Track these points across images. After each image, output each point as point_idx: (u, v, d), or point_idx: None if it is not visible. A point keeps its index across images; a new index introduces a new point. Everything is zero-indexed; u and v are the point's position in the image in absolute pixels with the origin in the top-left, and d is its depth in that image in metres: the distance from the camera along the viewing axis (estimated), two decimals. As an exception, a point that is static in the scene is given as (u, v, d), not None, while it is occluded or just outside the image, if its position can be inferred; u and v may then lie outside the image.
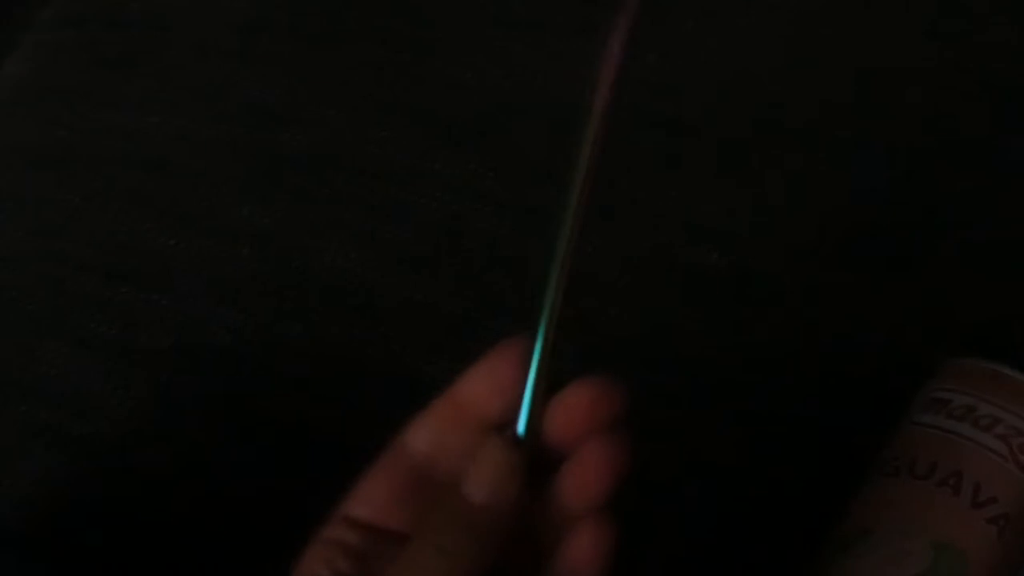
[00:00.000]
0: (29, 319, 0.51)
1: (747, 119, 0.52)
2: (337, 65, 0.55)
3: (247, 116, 0.54)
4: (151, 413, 0.48)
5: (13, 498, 0.46)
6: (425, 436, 0.30)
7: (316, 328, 0.49)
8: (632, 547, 0.33)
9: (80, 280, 0.51)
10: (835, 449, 0.44)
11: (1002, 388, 0.39)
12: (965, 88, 0.52)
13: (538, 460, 0.29)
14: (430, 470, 0.30)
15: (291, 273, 0.50)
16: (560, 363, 0.29)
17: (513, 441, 0.29)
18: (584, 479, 0.29)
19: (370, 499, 0.30)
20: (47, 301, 0.51)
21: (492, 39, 0.54)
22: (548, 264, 0.29)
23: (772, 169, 0.51)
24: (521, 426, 0.29)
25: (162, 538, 0.45)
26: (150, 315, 0.50)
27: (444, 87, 0.54)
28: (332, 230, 0.51)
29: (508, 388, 0.29)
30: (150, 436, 0.48)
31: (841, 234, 0.49)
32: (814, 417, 0.45)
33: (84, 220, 0.53)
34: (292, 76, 0.55)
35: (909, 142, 0.51)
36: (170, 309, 0.50)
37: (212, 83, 0.55)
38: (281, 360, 0.48)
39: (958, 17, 0.53)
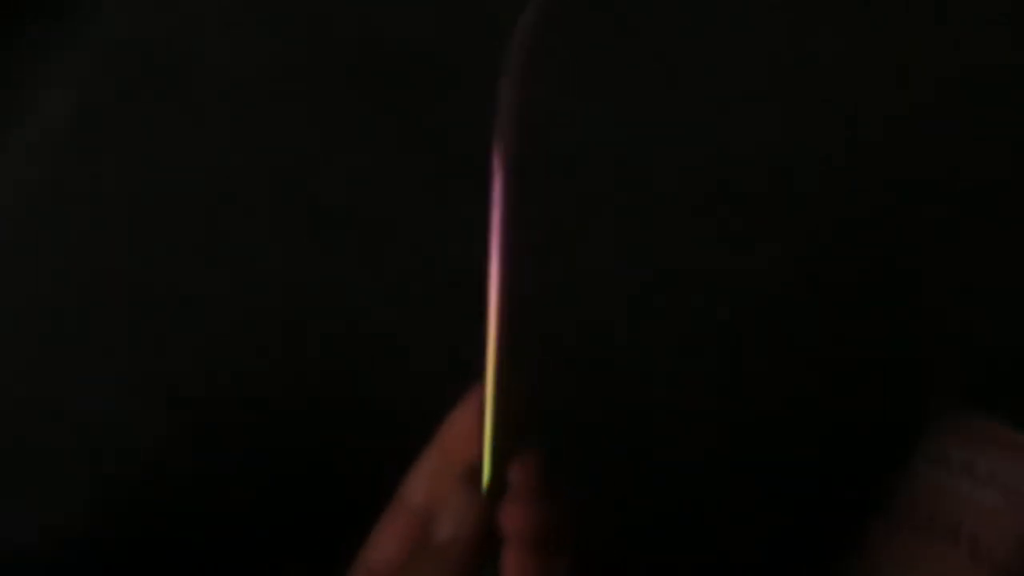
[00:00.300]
0: (59, 352, 0.52)
1: (737, 162, 0.53)
2: (362, 111, 0.56)
3: (275, 159, 0.55)
4: (176, 447, 0.50)
5: (41, 528, 0.48)
6: (419, 486, 0.33)
7: (337, 368, 0.50)
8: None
9: (109, 315, 0.52)
10: (836, 499, 0.45)
11: (1001, 444, 0.40)
12: (962, 129, 0.53)
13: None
14: (427, 518, 0.32)
15: (315, 315, 0.51)
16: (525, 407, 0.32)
17: (475, 483, 0.31)
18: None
19: (381, 548, 0.33)
20: (77, 334, 0.52)
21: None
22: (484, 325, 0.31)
23: (764, 212, 0.52)
24: (485, 475, 0.31)
25: (182, 570, 0.46)
26: (177, 352, 0.51)
27: (467, 136, 0.55)
28: (356, 274, 0.52)
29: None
30: (173, 470, 0.49)
31: (839, 280, 0.50)
32: (814, 467, 0.46)
33: (115, 256, 0.54)
34: (319, 123, 0.56)
35: (905, 182, 0.52)
36: (196, 346, 0.51)
37: (241, 125, 0.56)
38: (301, 400, 0.50)
39: (949, 61, 0.54)
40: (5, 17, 0.61)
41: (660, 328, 0.50)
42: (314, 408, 0.50)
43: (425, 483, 0.33)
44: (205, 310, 0.52)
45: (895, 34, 0.54)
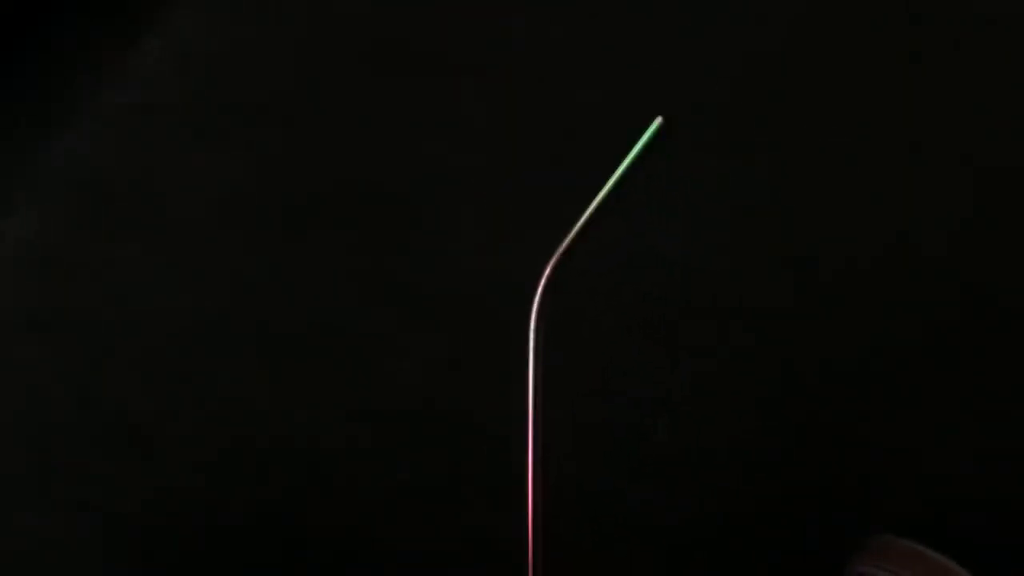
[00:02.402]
0: (10, 485, 0.54)
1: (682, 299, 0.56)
2: (320, 243, 0.58)
3: (236, 289, 0.57)
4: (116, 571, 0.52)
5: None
6: None
7: (294, 498, 0.53)
8: None
9: (64, 446, 0.54)
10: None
11: (920, 564, 0.43)
12: (905, 284, 0.55)
13: None
14: None
15: (272, 443, 0.54)
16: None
17: None
18: None
19: None
20: (29, 466, 0.54)
21: (469, 222, 0.57)
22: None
23: (713, 346, 0.54)
24: None
25: None
26: (131, 482, 0.53)
27: (421, 264, 0.57)
28: (311, 403, 0.54)
29: None
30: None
31: (777, 412, 0.53)
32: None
33: (73, 386, 0.56)
34: (277, 253, 0.58)
35: (849, 327, 0.54)
36: (151, 478, 0.53)
37: (203, 255, 0.58)
38: (258, 530, 0.52)
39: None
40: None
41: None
42: (266, 531, 0.52)
43: None
44: (159, 443, 0.54)
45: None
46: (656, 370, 0.54)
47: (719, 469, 0.52)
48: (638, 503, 0.51)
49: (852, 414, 0.53)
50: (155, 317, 0.56)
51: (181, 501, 0.52)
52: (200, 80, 0.60)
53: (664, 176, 0.56)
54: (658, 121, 0.34)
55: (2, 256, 0.59)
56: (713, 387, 0.53)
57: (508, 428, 0.36)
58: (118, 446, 0.54)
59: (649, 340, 0.54)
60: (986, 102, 0.57)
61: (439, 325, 0.55)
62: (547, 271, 0.35)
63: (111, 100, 0.60)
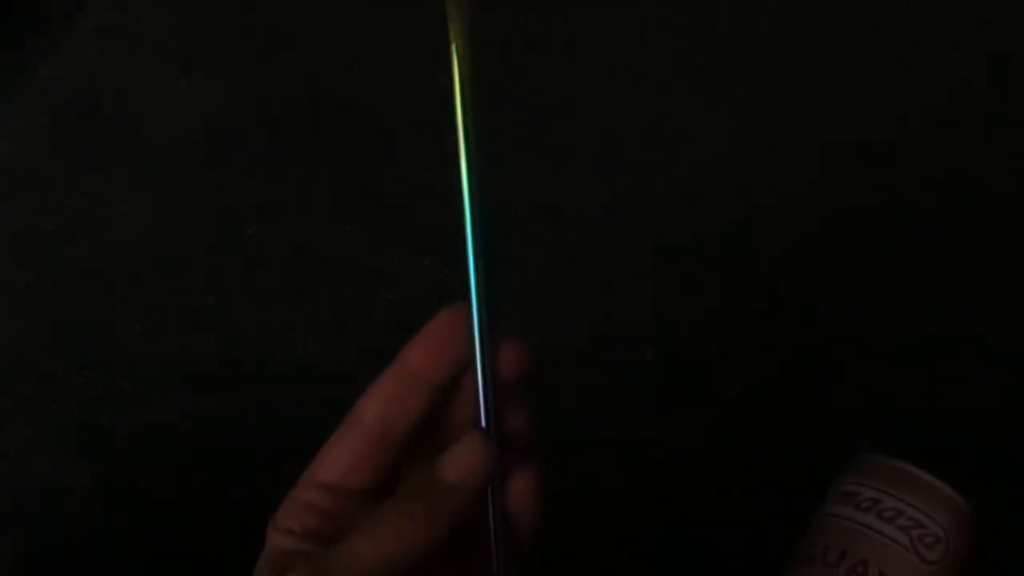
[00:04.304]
0: None
1: (680, 223, 0.55)
2: (304, 167, 0.58)
3: (216, 212, 0.57)
4: (113, 494, 0.51)
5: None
6: (377, 402, 0.33)
7: (276, 415, 0.52)
8: None
9: (49, 364, 0.54)
10: (757, 539, 0.47)
11: (905, 483, 0.42)
12: (885, 201, 0.56)
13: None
14: (384, 433, 0.33)
15: (254, 362, 0.53)
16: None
17: (485, 434, 0.32)
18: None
19: (332, 462, 0.33)
20: (14, 383, 0.54)
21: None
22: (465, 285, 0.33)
23: (703, 271, 0.54)
24: (483, 421, 0.33)
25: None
26: (115, 398, 0.52)
27: (404, 189, 0.57)
28: (295, 322, 0.54)
29: (448, 352, 0.33)
30: (111, 518, 0.50)
31: (767, 332, 0.52)
32: (739, 506, 0.48)
33: (56, 306, 0.55)
34: (261, 175, 0.58)
35: (831, 244, 0.54)
36: (134, 393, 0.53)
37: (182, 178, 0.58)
38: (241, 446, 0.51)
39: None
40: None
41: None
42: (250, 448, 0.51)
43: (383, 399, 0.33)
44: (142, 361, 0.53)
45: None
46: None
47: (704, 388, 0.51)
48: (621, 418, 0.51)
49: (849, 335, 0.52)
50: (141, 240, 0.56)
51: (168, 422, 0.52)
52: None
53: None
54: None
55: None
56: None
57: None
58: (103, 365, 0.53)
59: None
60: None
61: (439, 253, 0.54)
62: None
63: (86, 24, 0.60)
